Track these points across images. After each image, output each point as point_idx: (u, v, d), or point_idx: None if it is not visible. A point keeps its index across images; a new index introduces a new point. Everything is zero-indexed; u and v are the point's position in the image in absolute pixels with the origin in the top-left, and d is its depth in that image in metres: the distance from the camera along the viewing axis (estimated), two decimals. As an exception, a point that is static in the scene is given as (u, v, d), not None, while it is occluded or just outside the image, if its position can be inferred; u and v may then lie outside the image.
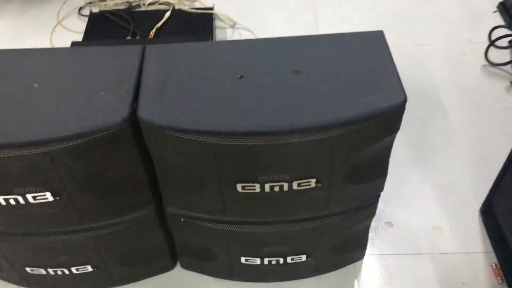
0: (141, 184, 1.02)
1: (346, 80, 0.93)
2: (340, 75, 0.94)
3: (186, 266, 1.31)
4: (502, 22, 1.98)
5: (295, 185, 0.95)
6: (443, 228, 1.39)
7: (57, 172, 0.91)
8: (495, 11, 2.06)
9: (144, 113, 0.89)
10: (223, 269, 1.24)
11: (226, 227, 1.09)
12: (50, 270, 1.17)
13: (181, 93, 0.92)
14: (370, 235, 1.32)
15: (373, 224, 1.35)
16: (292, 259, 1.18)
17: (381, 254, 1.34)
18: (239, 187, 0.95)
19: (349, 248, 1.24)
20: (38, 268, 1.17)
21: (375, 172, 1.02)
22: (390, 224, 1.41)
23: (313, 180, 0.95)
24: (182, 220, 1.10)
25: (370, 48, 0.99)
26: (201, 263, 1.26)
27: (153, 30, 1.84)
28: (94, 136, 0.88)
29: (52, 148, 0.87)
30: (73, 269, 1.17)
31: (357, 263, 1.33)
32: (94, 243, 1.11)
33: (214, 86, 0.93)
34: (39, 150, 0.86)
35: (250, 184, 0.95)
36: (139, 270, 1.27)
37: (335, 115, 0.87)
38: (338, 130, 0.86)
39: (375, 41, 1.00)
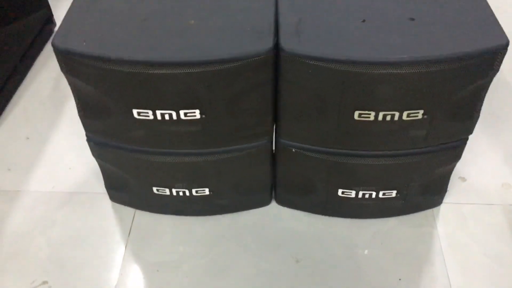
0: (265, 113, 1.20)
1: (457, 26, 1.10)
2: (450, 23, 1.11)
3: (281, 202, 1.49)
4: None
5: (405, 115, 1.12)
6: (511, 184, 1.54)
7: (207, 91, 1.10)
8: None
9: (285, 44, 1.07)
10: (319, 203, 1.41)
11: (333, 158, 1.26)
12: (174, 191, 1.36)
13: (313, 32, 1.10)
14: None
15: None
16: (384, 194, 1.34)
17: (456, 203, 1.50)
18: (356, 114, 1.13)
19: (432, 190, 1.40)
20: (163, 188, 1.36)
21: (470, 110, 1.17)
22: (463, 179, 1.56)
23: (421, 112, 1.12)
24: (293, 150, 1.28)
25: (470, 5, 1.16)
26: (298, 197, 1.43)
27: None
28: (244, 61, 1.06)
29: (209, 69, 1.05)
30: (193, 191, 1.36)
31: (434, 209, 1.48)
32: (215, 166, 1.29)
33: (342, 27, 1.11)
34: (199, 69, 1.05)
35: (366, 112, 1.12)
36: (243, 200, 1.44)
37: (448, 51, 1.03)
38: (450, 63, 1.03)
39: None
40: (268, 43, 1.07)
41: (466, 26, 1.10)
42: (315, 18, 1.14)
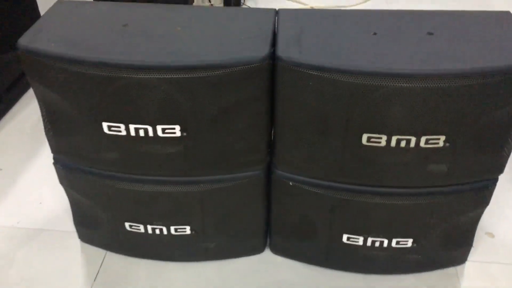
0: (259, 135, 1.03)
1: (482, 42, 0.94)
2: (474, 38, 0.96)
3: (276, 250, 1.27)
4: None
5: (423, 141, 0.94)
6: (547, 243, 1.31)
7: (191, 104, 0.94)
8: None
9: (282, 52, 0.92)
10: (320, 251, 1.20)
11: (337, 195, 1.07)
12: (149, 228, 1.16)
13: (317, 42, 0.95)
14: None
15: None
16: (397, 243, 1.13)
17: (484, 262, 1.27)
18: (364, 138, 0.95)
19: (455, 243, 1.18)
20: (138, 224, 1.16)
21: (499, 141, 0.99)
22: (491, 234, 1.34)
23: (442, 138, 0.94)
24: (290, 184, 1.09)
25: (495, 22, 1.01)
26: (296, 244, 1.22)
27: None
28: (233, 69, 0.91)
29: (192, 75, 0.90)
30: (172, 229, 1.16)
31: (458, 268, 1.25)
32: (200, 199, 1.10)
33: (350, 38, 0.96)
34: (180, 75, 0.90)
35: (376, 135, 0.94)
36: (231, 244, 1.24)
37: (472, 65, 0.87)
38: (473, 79, 0.87)
39: (500, 17, 1.02)
40: (263, 51, 0.92)
41: (492, 42, 0.95)
42: (320, 29, 1.00)
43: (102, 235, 1.24)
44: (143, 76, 0.90)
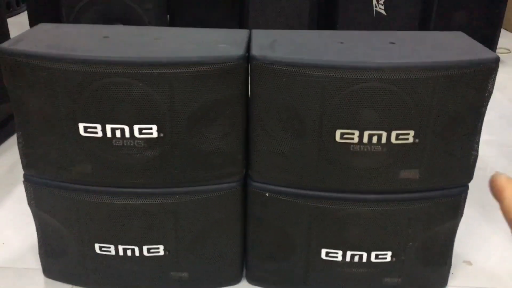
0: (236, 143, 1.05)
1: (443, 48, 1.03)
2: (436, 45, 1.04)
3: (253, 279, 1.22)
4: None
5: (393, 136, 0.97)
6: (525, 269, 1.30)
7: (167, 102, 0.96)
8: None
9: (257, 52, 0.98)
10: (298, 272, 1.15)
11: (314, 203, 1.06)
12: (120, 249, 1.11)
13: (288, 46, 1.02)
14: (450, 272, 1.24)
15: (452, 261, 1.27)
16: (377, 256, 1.11)
17: (464, 287, 1.24)
18: (338, 134, 0.98)
19: (433, 260, 1.16)
20: (108, 245, 1.11)
21: (466, 142, 1.03)
22: (469, 262, 1.33)
23: (412, 133, 0.98)
24: (267, 195, 1.08)
25: (449, 37, 1.11)
26: (273, 267, 1.17)
27: None
28: (211, 66, 0.95)
29: (169, 71, 0.93)
30: (145, 249, 1.11)
31: (439, 292, 1.22)
32: (175, 212, 1.08)
33: (318, 45, 1.03)
34: (157, 70, 0.93)
35: (349, 131, 0.97)
36: (205, 273, 1.18)
37: (430, 59, 0.94)
38: (439, 71, 0.93)
39: (453, 35, 1.13)
40: (239, 51, 0.98)
41: (450, 47, 1.03)
42: (291, 40, 1.07)
43: (69, 264, 1.17)
44: (120, 71, 0.93)
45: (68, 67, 0.93)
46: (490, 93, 1.00)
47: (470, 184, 1.10)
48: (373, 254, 1.11)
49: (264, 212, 1.11)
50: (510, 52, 3.08)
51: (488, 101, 1.01)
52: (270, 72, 0.96)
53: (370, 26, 2.30)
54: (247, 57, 0.98)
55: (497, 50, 2.78)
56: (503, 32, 2.89)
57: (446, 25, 2.40)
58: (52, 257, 1.19)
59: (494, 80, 0.99)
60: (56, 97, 0.97)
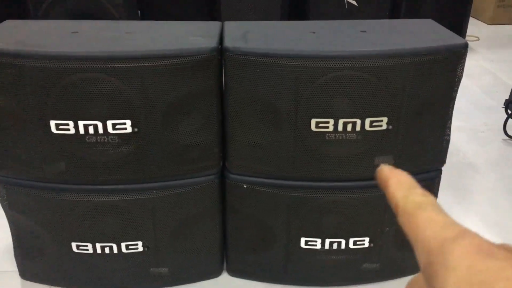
0: (211, 135, 1.04)
1: (414, 34, 1.04)
2: (407, 32, 1.05)
3: (234, 271, 1.22)
4: None
5: (367, 124, 0.99)
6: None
7: (141, 96, 0.95)
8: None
9: (229, 43, 0.98)
10: (278, 263, 1.16)
11: (291, 192, 1.07)
12: (98, 247, 1.10)
13: (261, 37, 1.02)
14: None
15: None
16: (355, 243, 1.12)
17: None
18: (313, 123, 0.98)
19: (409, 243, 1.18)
20: (85, 244, 1.10)
21: (437, 127, 1.05)
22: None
23: (385, 120, 0.99)
24: (244, 186, 1.08)
25: (419, 24, 1.13)
26: (253, 258, 1.18)
27: None
28: (184, 59, 0.94)
29: (142, 64, 0.92)
30: (123, 246, 1.10)
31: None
32: (152, 208, 1.07)
33: (290, 35, 1.04)
34: (130, 64, 0.92)
35: (324, 120, 0.98)
36: (186, 267, 1.18)
37: (400, 46, 0.96)
38: (409, 58, 0.94)
39: (423, 22, 1.14)
40: (212, 43, 0.97)
41: (424, 35, 1.05)
42: (263, 31, 1.07)
43: (46, 265, 1.15)
44: (91, 66, 0.91)
45: (37, 63, 0.91)
46: (460, 78, 1.02)
47: (443, 168, 1.12)
48: (351, 240, 1.12)
49: (243, 204, 1.11)
50: (479, 39, 3.15)
51: (458, 86, 1.03)
52: (244, 64, 0.96)
53: (342, 18, 2.32)
54: (220, 49, 0.98)
55: (466, 38, 2.83)
56: (472, 21, 2.95)
57: (415, 15, 2.44)
58: (29, 258, 1.17)
59: (463, 65, 1.01)
60: (25, 95, 0.95)
